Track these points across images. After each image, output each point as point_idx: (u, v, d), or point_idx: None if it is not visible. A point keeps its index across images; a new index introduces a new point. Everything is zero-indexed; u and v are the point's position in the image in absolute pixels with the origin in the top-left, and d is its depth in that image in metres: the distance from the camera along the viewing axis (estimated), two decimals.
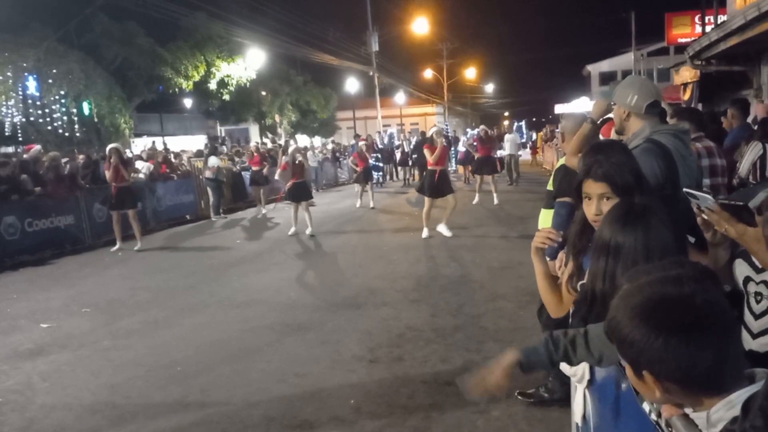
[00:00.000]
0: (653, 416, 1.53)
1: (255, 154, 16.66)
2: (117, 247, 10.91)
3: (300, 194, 11.30)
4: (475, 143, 16.81)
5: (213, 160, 15.33)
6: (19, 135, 17.72)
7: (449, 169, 22.42)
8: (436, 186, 10.07)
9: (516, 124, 33.47)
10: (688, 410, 1.29)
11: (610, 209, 1.97)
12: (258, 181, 15.96)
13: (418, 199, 14.24)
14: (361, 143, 17.06)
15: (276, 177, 12.17)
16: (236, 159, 18.55)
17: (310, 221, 11.31)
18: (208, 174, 15.03)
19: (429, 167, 10.16)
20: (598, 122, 3.41)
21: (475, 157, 16.03)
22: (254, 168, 16.23)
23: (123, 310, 6.96)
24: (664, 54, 32.94)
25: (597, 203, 2.13)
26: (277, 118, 30.59)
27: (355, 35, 31.85)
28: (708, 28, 12.59)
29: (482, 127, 17.17)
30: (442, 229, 10.24)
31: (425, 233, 10.23)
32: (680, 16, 25.26)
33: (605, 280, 1.84)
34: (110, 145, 11.15)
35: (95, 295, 7.81)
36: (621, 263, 1.79)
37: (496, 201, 14.38)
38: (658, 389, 1.18)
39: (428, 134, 11.24)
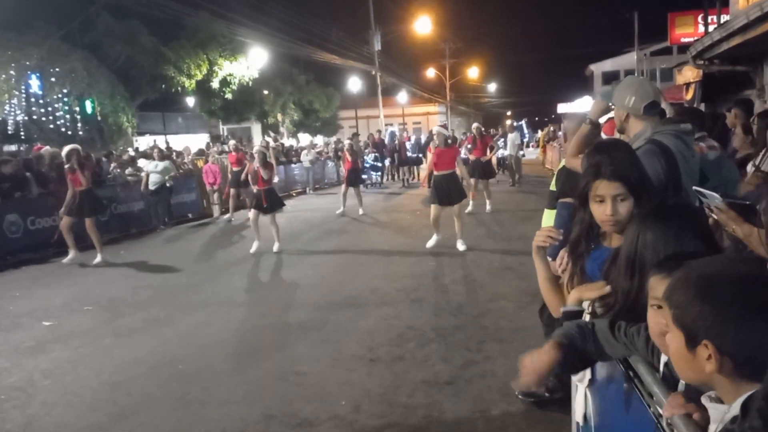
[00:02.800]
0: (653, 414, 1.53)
1: (232, 153, 15.05)
2: (69, 257, 9.68)
3: (264, 204, 9.68)
4: (469, 145, 15.04)
5: (151, 166, 13.20)
6: (22, 133, 17.76)
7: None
8: (443, 193, 8.97)
9: (516, 123, 33.19)
10: (705, 401, 1.27)
11: (640, 209, 1.93)
12: (235, 184, 14.31)
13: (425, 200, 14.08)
14: (347, 142, 15.98)
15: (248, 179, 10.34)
16: None
17: (278, 235, 9.81)
18: (152, 181, 12.98)
19: (435, 172, 9.13)
20: (600, 122, 3.39)
21: (469, 160, 14.02)
22: (234, 169, 14.51)
23: (124, 308, 6.97)
24: (667, 54, 32.88)
25: (612, 204, 2.08)
26: (279, 117, 30.60)
27: (358, 34, 31.92)
28: (711, 28, 12.56)
29: (476, 125, 15.06)
30: (459, 244, 9.09)
31: (432, 241, 9.28)
32: (683, 16, 25.26)
33: (631, 278, 1.80)
34: (67, 147, 9.97)
35: (97, 293, 7.83)
36: (649, 259, 1.75)
37: (489, 208, 12.94)
38: (715, 363, 1.14)
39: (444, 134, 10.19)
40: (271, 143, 25.29)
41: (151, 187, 12.91)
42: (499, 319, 5.80)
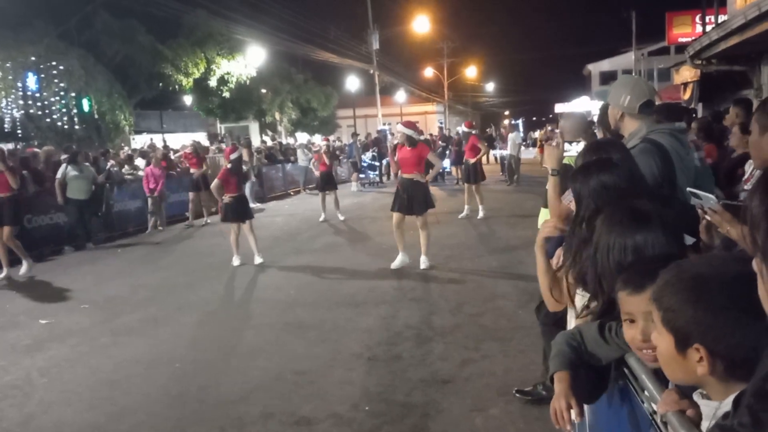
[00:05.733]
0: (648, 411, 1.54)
1: (190, 154, 14.05)
2: (4, 274, 8.79)
3: (238, 213, 8.69)
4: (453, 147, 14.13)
5: (73, 171, 10.88)
6: (19, 131, 17.72)
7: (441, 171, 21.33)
8: (402, 199, 7.91)
9: (513, 122, 33.02)
10: (697, 398, 1.28)
11: (606, 214, 1.90)
12: (197, 187, 13.53)
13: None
14: (323, 143, 14.84)
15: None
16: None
17: (256, 246, 8.83)
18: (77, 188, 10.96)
19: (401, 174, 8.10)
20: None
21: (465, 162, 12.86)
22: (192, 171, 13.77)
23: (122, 307, 6.97)
24: (665, 53, 32.91)
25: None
26: (277, 115, 30.59)
27: (356, 33, 31.91)
28: (708, 28, 12.59)
29: (460, 129, 13.81)
30: (422, 261, 7.99)
31: (396, 261, 8.01)
32: (681, 16, 25.29)
33: (602, 284, 1.83)
34: None
35: (94, 291, 7.82)
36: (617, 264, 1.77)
37: (481, 214, 11.96)
38: (707, 366, 1.13)
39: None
40: (269, 142, 25.30)
41: (81, 196, 10.94)
42: (498, 318, 5.81)
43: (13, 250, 8.90)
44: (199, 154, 14.12)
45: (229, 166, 8.68)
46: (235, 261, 8.82)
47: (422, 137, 8.08)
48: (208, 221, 13.55)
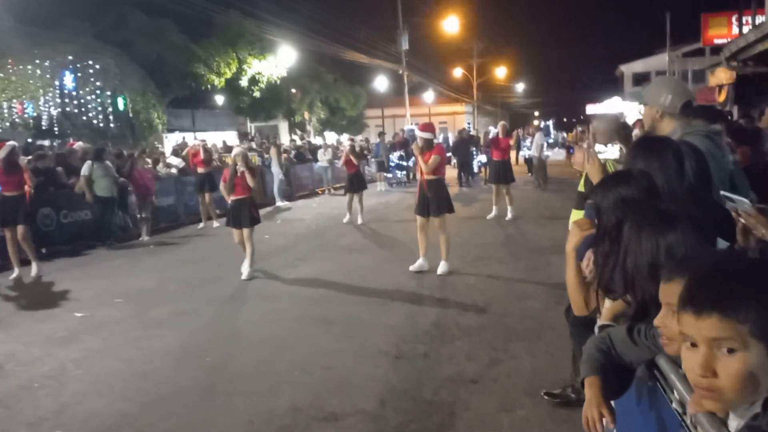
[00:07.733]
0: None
1: (198, 152, 13.35)
2: (15, 274, 8.56)
3: (239, 217, 8.07)
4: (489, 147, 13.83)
5: (99, 169, 10.81)
6: (56, 129, 18.15)
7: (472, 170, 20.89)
8: (423, 201, 7.79)
9: (543, 123, 32.20)
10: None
11: (634, 219, 1.87)
12: (203, 187, 13.05)
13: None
14: (347, 143, 14.57)
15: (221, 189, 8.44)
16: (265, 156, 18.71)
17: (252, 257, 8.11)
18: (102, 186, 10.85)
19: (426, 177, 7.80)
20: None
21: (491, 162, 12.81)
22: (200, 170, 13.17)
23: (153, 301, 7.11)
24: (700, 55, 32.36)
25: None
26: (306, 115, 30.82)
27: (386, 33, 31.96)
28: (745, 29, 12.33)
29: (502, 123, 13.52)
30: (441, 266, 7.75)
31: (415, 264, 7.88)
32: (717, 17, 24.79)
33: (634, 289, 1.82)
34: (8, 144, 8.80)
35: (126, 285, 7.99)
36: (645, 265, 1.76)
37: (510, 215, 11.86)
38: None
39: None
40: (298, 141, 25.49)
41: (108, 193, 10.94)
42: (525, 318, 5.78)
43: (25, 250, 8.68)
44: (208, 152, 13.56)
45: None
46: (244, 273, 8.05)
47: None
48: (202, 226, 13.02)
